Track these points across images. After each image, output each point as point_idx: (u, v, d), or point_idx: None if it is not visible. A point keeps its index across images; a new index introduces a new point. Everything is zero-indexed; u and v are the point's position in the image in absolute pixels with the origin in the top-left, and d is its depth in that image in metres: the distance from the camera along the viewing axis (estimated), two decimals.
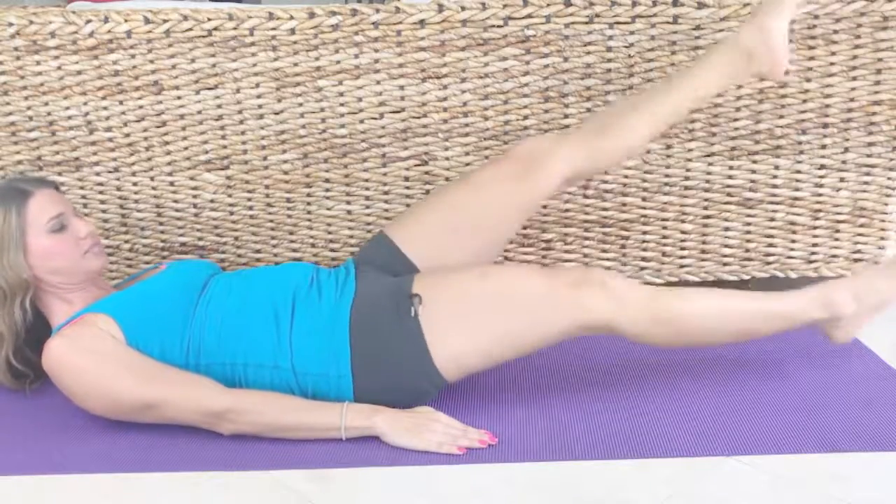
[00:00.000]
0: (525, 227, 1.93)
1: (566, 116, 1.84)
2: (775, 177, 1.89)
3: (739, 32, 1.58)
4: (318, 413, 1.38)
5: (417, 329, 1.40)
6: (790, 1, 1.56)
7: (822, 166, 1.89)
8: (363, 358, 1.40)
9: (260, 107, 1.85)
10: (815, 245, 1.94)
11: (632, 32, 1.78)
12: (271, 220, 1.94)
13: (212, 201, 1.92)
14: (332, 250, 1.96)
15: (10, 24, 1.79)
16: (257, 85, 1.83)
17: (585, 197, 1.91)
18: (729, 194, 1.91)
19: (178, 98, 1.84)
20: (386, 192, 1.91)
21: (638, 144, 1.61)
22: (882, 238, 1.94)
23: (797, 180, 1.90)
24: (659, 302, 1.43)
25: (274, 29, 1.78)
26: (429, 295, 1.42)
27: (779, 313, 1.47)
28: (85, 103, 1.85)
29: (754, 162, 1.88)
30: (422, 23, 1.78)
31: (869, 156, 1.87)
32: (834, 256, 1.95)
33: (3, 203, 1.45)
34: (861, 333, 1.70)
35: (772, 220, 1.93)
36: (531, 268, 1.63)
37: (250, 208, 1.93)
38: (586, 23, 1.78)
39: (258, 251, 1.97)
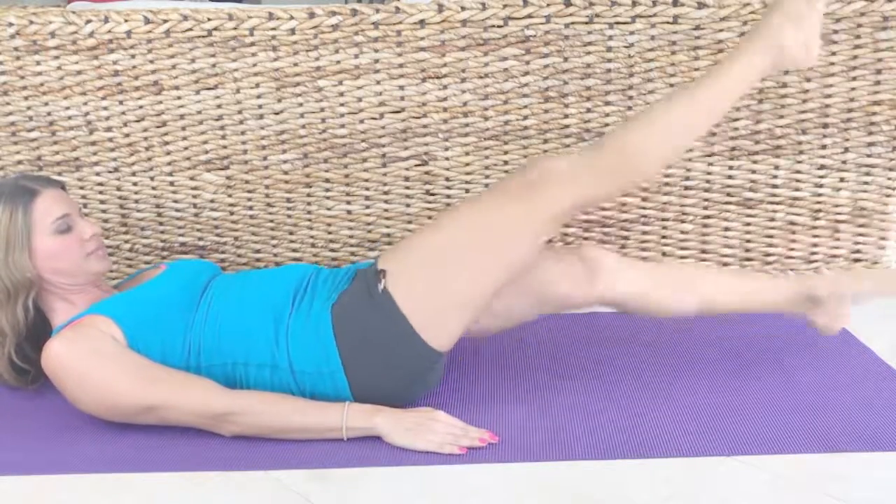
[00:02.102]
0: None
1: (566, 116, 1.85)
2: (775, 177, 1.90)
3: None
4: (319, 414, 1.38)
5: (392, 304, 1.39)
6: None
7: (822, 166, 1.89)
8: (350, 349, 1.40)
9: (260, 107, 1.85)
10: (815, 245, 1.95)
11: (632, 32, 1.78)
12: (271, 220, 1.94)
13: (212, 201, 1.92)
14: (332, 250, 1.96)
15: (10, 24, 1.79)
16: (257, 85, 1.83)
17: None
18: (729, 194, 1.91)
19: (178, 98, 1.84)
20: (386, 192, 1.91)
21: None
22: (882, 238, 1.94)
23: (797, 180, 1.90)
24: (603, 155, 1.40)
25: (274, 29, 1.78)
26: (393, 267, 1.41)
27: (729, 78, 1.42)
28: (85, 103, 1.85)
29: (754, 162, 1.88)
30: (422, 23, 1.78)
31: (869, 156, 1.87)
32: (834, 256, 1.95)
33: (10, 201, 1.44)
34: (861, 333, 1.71)
35: (772, 220, 1.93)
36: (476, 198, 1.55)
37: (250, 208, 1.93)
38: (586, 23, 1.78)
39: (258, 251, 1.97)
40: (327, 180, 1.90)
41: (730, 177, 1.90)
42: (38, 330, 1.49)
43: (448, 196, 1.91)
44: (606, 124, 1.85)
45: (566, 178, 1.38)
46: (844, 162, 1.88)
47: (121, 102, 1.85)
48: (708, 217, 1.93)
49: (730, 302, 1.55)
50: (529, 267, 1.46)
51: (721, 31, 1.77)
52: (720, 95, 1.44)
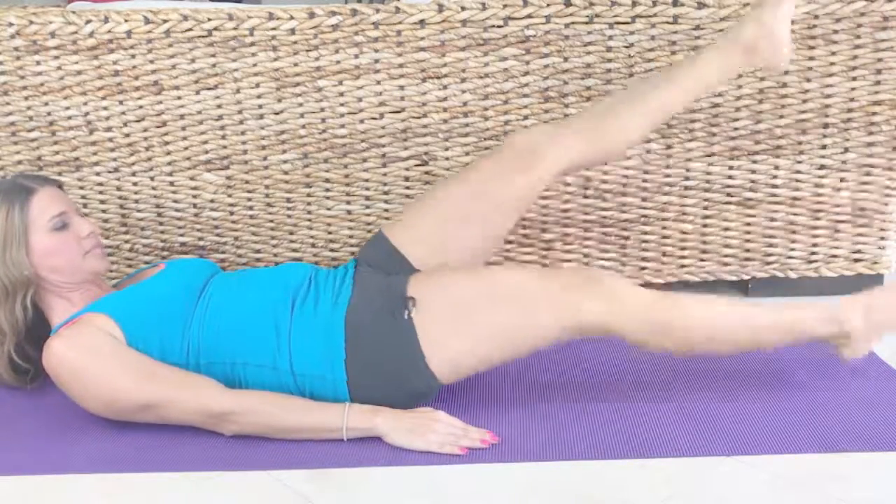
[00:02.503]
0: (525, 227, 1.93)
1: (566, 116, 1.84)
2: (775, 177, 1.89)
3: (740, 25, 1.57)
4: (319, 414, 1.38)
5: (412, 331, 1.40)
6: None
7: (822, 166, 1.89)
8: (358, 360, 1.40)
9: (260, 107, 1.85)
10: (815, 245, 1.95)
11: (632, 32, 1.78)
12: (271, 220, 1.94)
13: (212, 201, 1.92)
14: (332, 250, 1.96)
15: (10, 24, 1.79)
16: (257, 85, 1.83)
17: (585, 197, 1.91)
18: (729, 194, 1.91)
19: (178, 98, 1.84)
20: (386, 192, 1.91)
21: (636, 137, 1.60)
22: (882, 238, 1.94)
23: (797, 180, 1.90)
24: (659, 308, 1.40)
25: (274, 29, 1.78)
26: (424, 297, 1.42)
27: (782, 326, 1.44)
28: (85, 103, 1.85)
29: (754, 162, 1.88)
30: (422, 23, 1.78)
31: (869, 156, 1.87)
32: (834, 256, 1.95)
33: (6, 200, 1.45)
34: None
35: (772, 220, 1.93)
36: (529, 268, 1.61)
37: (250, 208, 1.93)
38: (586, 23, 1.78)
39: (258, 251, 1.97)
40: (327, 180, 1.90)
41: (730, 177, 1.90)
42: (38, 329, 1.49)
43: None
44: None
45: (615, 301, 1.38)
46: (844, 162, 1.88)
47: (121, 102, 1.84)
48: (708, 217, 1.93)
49: (682, 92, 1.59)
50: (472, 186, 1.55)
51: (721, 31, 1.77)
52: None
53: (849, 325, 1.44)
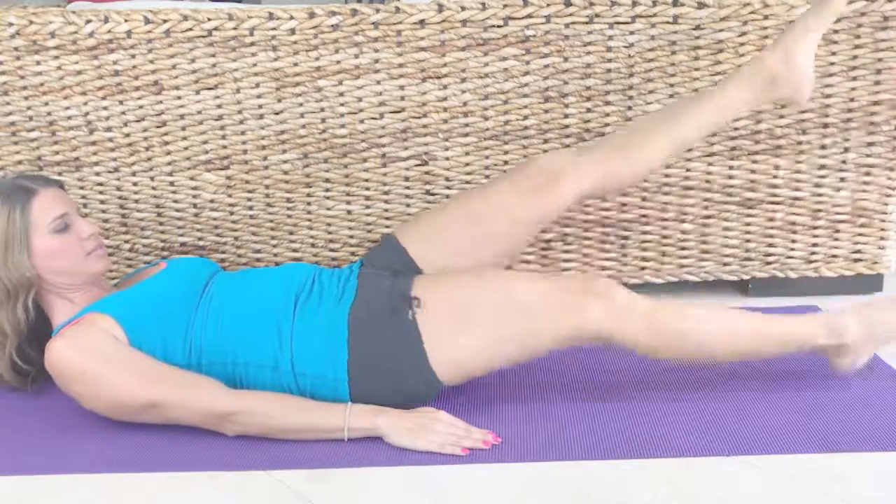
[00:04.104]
0: None
1: (566, 116, 1.85)
2: (775, 177, 1.89)
3: (764, 57, 1.54)
4: (321, 414, 1.38)
5: (415, 332, 1.40)
6: (816, 27, 1.53)
7: (822, 166, 1.89)
8: (360, 361, 1.40)
9: (260, 107, 1.85)
10: (815, 245, 1.95)
11: (632, 32, 1.78)
12: (271, 220, 1.94)
13: (212, 201, 1.92)
14: (332, 250, 1.96)
15: (10, 24, 1.79)
16: (257, 85, 1.83)
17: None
18: (729, 194, 1.91)
19: (178, 98, 1.84)
20: (386, 192, 1.91)
21: (655, 166, 1.59)
22: (882, 238, 1.94)
23: (797, 180, 1.90)
24: (659, 316, 1.41)
25: (274, 29, 1.78)
26: (428, 298, 1.42)
27: (782, 336, 1.45)
28: (85, 103, 1.85)
29: (754, 162, 1.88)
30: (422, 23, 1.78)
31: (869, 156, 1.87)
32: (834, 256, 1.95)
33: (7, 201, 1.44)
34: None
35: (772, 220, 1.93)
36: (532, 274, 1.61)
37: (250, 208, 1.93)
38: (586, 23, 1.78)
39: (258, 251, 1.97)
40: (327, 180, 1.90)
41: (730, 177, 1.90)
42: (39, 330, 1.49)
43: (448, 196, 1.90)
44: (606, 124, 1.85)
45: (617, 309, 1.39)
46: (844, 162, 1.88)
47: (121, 102, 1.84)
48: (708, 217, 1.93)
49: (703, 123, 1.58)
50: (489, 200, 1.55)
51: (721, 31, 1.77)
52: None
53: (848, 336, 1.45)
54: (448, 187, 1.90)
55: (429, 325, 1.40)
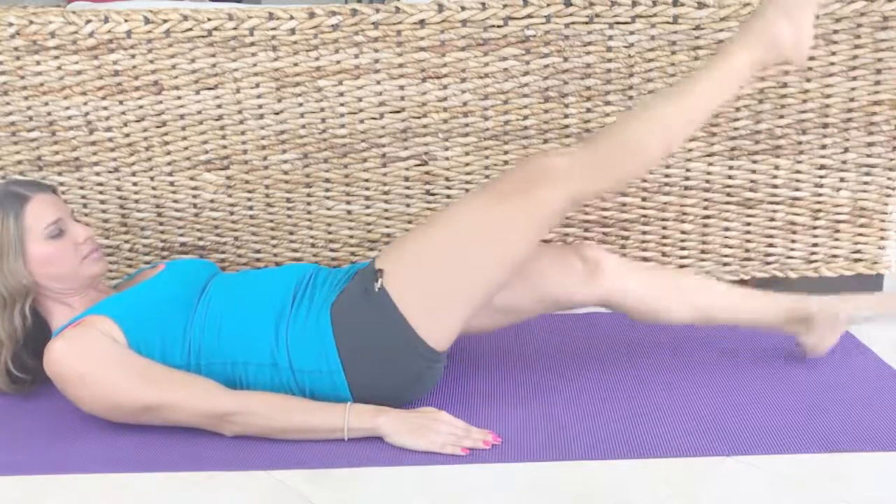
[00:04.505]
0: None
1: (566, 116, 1.85)
2: (775, 177, 1.89)
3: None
4: (321, 414, 1.38)
5: (389, 304, 1.39)
6: None
7: (822, 166, 1.89)
8: (349, 348, 1.40)
9: (260, 107, 1.85)
10: (815, 245, 1.95)
11: (632, 32, 1.78)
12: (271, 220, 1.94)
13: (212, 201, 1.92)
14: (332, 250, 1.96)
15: (10, 24, 1.79)
16: (257, 85, 1.83)
17: None
18: (729, 194, 1.91)
19: (178, 98, 1.84)
20: (386, 192, 1.91)
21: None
22: (882, 238, 1.94)
23: (797, 180, 1.90)
24: (598, 149, 1.39)
25: (274, 29, 1.78)
26: (391, 266, 1.41)
27: (722, 71, 1.42)
28: (85, 103, 1.85)
29: (754, 162, 1.88)
30: (422, 23, 1.78)
31: (869, 156, 1.87)
32: (834, 256, 1.95)
33: (0, 208, 1.44)
34: (861, 333, 1.71)
35: (772, 220, 1.93)
36: (473, 195, 1.49)
37: (250, 208, 1.93)
38: (586, 23, 1.78)
39: (258, 251, 1.97)
40: (327, 180, 1.90)
41: (730, 177, 1.90)
42: (37, 337, 1.48)
43: (448, 196, 1.90)
44: (606, 124, 1.85)
45: (563, 174, 1.38)
46: (844, 162, 1.88)
47: (121, 102, 1.84)
48: (708, 217, 1.93)
49: (724, 318, 1.58)
50: (528, 263, 1.46)
51: (721, 31, 1.77)
52: (715, 89, 1.45)
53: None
54: (448, 187, 1.90)
55: (399, 290, 1.39)
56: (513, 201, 1.38)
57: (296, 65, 1.81)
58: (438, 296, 1.40)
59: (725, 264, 1.96)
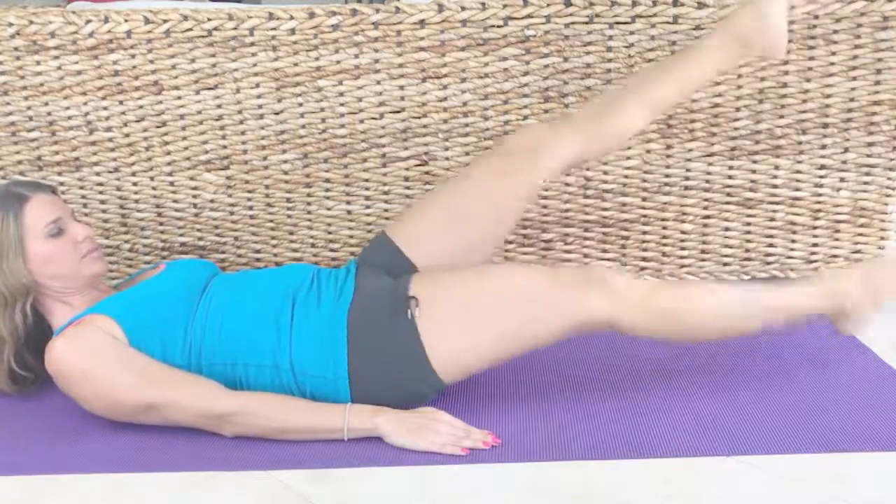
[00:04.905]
0: (525, 227, 1.93)
1: (564, 114, 1.84)
2: (775, 177, 1.89)
3: (734, 17, 1.56)
4: (320, 415, 1.38)
5: (414, 331, 1.40)
6: None
7: (822, 166, 1.89)
8: (360, 361, 1.40)
9: (260, 107, 1.85)
10: (815, 245, 1.95)
11: (632, 32, 1.78)
12: (271, 220, 1.94)
13: (212, 201, 1.92)
14: (332, 250, 1.96)
15: (10, 24, 1.79)
16: (257, 85, 1.83)
17: (585, 197, 1.91)
18: (729, 194, 1.91)
19: (178, 98, 1.84)
20: (386, 192, 1.91)
21: (634, 130, 1.59)
22: (882, 238, 1.94)
23: (797, 180, 1.90)
24: (659, 297, 1.42)
25: (274, 29, 1.78)
26: (426, 296, 1.42)
27: (785, 306, 1.46)
28: (85, 103, 1.85)
29: (754, 162, 1.88)
30: (422, 23, 1.78)
31: (869, 156, 1.87)
32: (834, 256, 1.95)
33: (0, 208, 1.44)
34: (861, 333, 1.70)
35: (772, 220, 1.93)
36: (530, 267, 1.61)
37: (250, 208, 1.93)
38: (586, 23, 1.78)
39: (258, 251, 1.97)
40: (327, 180, 1.90)
41: (730, 177, 1.90)
42: (38, 336, 1.49)
43: None
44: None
45: (620, 297, 1.39)
46: (844, 162, 1.88)
47: (121, 102, 1.84)
48: (708, 217, 1.93)
49: (679, 86, 1.59)
50: (470, 191, 1.55)
51: None
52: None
53: (849, 301, 1.46)
54: None
55: (427, 323, 1.40)
56: (566, 292, 1.40)
57: (296, 65, 1.81)
58: (464, 345, 1.41)
59: (725, 264, 1.96)
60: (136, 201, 1.92)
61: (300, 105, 1.84)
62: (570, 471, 1.30)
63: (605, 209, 1.92)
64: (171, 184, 1.91)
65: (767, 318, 1.46)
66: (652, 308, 1.40)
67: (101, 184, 1.91)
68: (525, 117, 1.84)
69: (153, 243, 1.96)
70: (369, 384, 1.41)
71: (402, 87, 1.83)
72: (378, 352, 1.40)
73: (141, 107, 1.85)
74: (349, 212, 1.93)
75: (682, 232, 1.94)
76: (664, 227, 1.94)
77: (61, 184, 1.89)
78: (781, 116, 1.85)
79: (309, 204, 1.92)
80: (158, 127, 1.86)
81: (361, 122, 1.86)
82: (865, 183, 1.89)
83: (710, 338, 1.50)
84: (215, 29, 1.79)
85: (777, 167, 1.89)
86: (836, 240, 1.94)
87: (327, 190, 1.91)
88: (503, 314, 1.40)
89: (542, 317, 1.40)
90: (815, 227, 1.93)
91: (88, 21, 1.78)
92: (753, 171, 1.89)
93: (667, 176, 1.89)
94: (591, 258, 1.96)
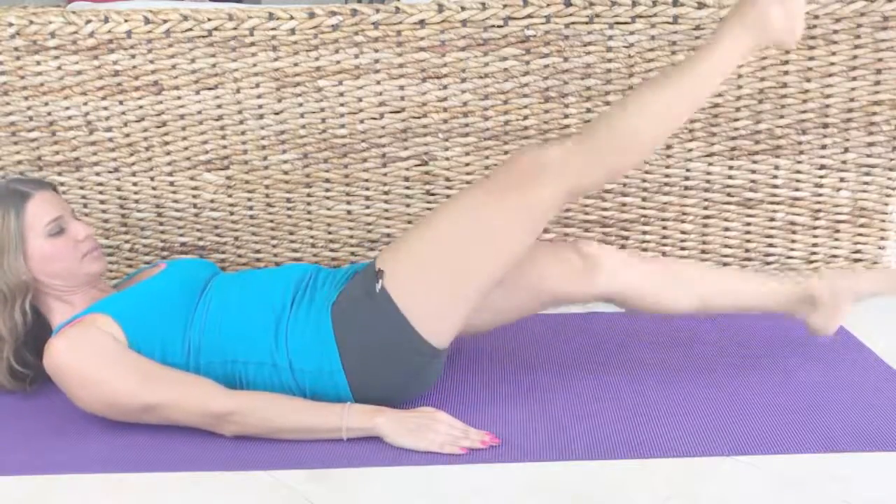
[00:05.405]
0: None
1: (566, 116, 1.85)
2: (775, 177, 1.90)
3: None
4: (319, 414, 1.38)
5: (390, 303, 1.39)
6: None
7: (822, 166, 1.89)
8: (350, 349, 1.40)
9: (260, 107, 1.85)
10: (815, 245, 1.95)
11: (632, 32, 1.78)
12: (271, 220, 1.94)
13: (212, 201, 1.92)
14: (332, 250, 1.96)
15: (10, 24, 1.79)
16: (257, 85, 1.83)
17: (585, 197, 1.91)
18: (729, 194, 1.91)
19: (178, 98, 1.84)
20: (386, 192, 1.91)
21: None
22: (882, 238, 1.94)
23: (797, 180, 1.90)
24: (596, 137, 1.38)
25: (274, 29, 1.79)
26: (390, 266, 1.41)
27: (714, 57, 1.39)
28: (85, 103, 1.85)
29: (754, 162, 1.88)
30: (422, 23, 1.78)
31: (869, 156, 1.87)
32: (834, 256, 1.95)
33: (1, 206, 1.44)
34: (860, 333, 1.70)
35: (772, 220, 1.93)
36: (468, 192, 1.48)
37: (250, 208, 1.93)
38: (586, 23, 1.78)
39: (258, 251, 1.97)
40: (327, 180, 1.90)
41: (730, 177, 1.90)
42: (37, 334, 1.49)
43: (448, 196, 1.90)
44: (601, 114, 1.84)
45: (557, 168, 1.37)
46: (844, 162, 1.88)
47: (121, 102, 1.85)
48: (708, 217, 1.93)
49: (727, 303, 1.55)
50: (525, 260, 1.46)
51: None
52: (708, 75, 1.42)
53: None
54: (448, 187, 1.90)
55: (399, 290, 1.39)
56: (508, 197, 1.38)
57: (296, 65, 1.81)
58: (438, 294, 1.40)
59: (725, 264, 1.96)
60: (136, 201, 1.92)
61: (300, 105, 1.84)
62: (570, 471, 1.30)
63: (604, 209, 1.92)
64: (171, 184, 1.91)
65: (699, 92, 1.41)
66: (591, 154, 1.37)
67: (101, 184, 1.91)
68: (525, 117, 1.84)
69: (153, 243, 1.96)
70: (364, 370, 1.40)
71: (402, 87, 1.83)
72: (364, 334, 1.40)
73: (141, 107, 1.85)
74: (349, 212, 1.93)
75: (682, 232, 1.94)
76: (664, 227, 1.94)
77: (61, 184, 1.89)
78: (781, 116, 1.85)
79: (309, 204, 1.92)
80: (158, 127, 1.87)
81: (361, 122, 1.86)
82: (865, 183, 1.89)
83: (652, 138, 1.42)
84: (215, 29, 1.79)
85: (777, 167, 1.89)
86: (836, 240, 1.94)
87: (327, 190, 1.91)
88: (464, 251, 1.38)
89: (502, 232, 1.38)
90: (815, 227, 1.93)
91: (88, 21, 1.78)
92: (753, 171, 1.89)
93: (667, 176, 1.89)
94: None
